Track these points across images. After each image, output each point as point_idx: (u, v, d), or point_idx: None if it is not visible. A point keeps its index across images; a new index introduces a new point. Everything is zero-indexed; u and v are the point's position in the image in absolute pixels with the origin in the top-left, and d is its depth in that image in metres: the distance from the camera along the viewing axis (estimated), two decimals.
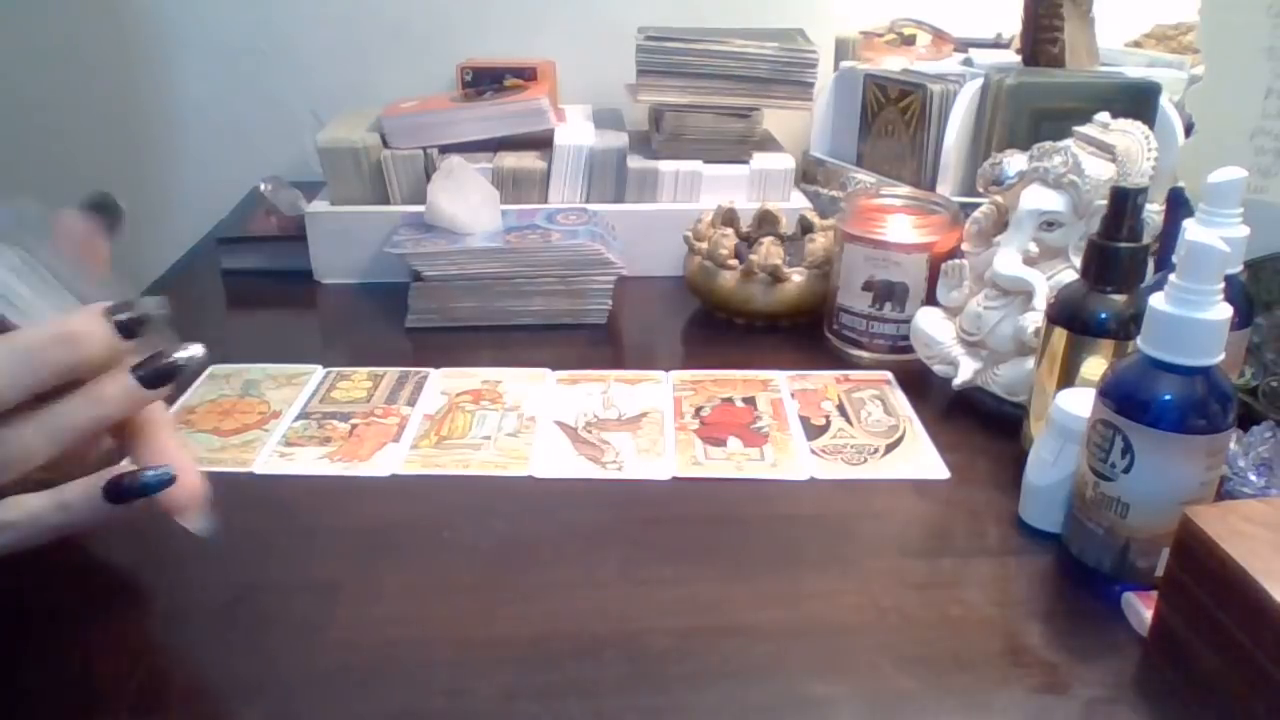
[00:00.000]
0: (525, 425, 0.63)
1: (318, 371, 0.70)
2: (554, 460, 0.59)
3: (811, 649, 0.44)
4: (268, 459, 0.59)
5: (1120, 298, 0.52)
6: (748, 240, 0.83)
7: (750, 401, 0.66)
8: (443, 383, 0.69)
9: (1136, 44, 1.03)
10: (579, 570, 0.49)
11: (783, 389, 0.68)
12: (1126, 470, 0.44)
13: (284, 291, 0.82)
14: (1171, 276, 0.42)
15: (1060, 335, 0.53)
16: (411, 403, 0.66)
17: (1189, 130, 0.75)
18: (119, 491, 0.39)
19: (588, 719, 0.40)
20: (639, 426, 0.63)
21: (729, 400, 0.66)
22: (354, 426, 0.63)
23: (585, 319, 0.79)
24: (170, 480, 0.40)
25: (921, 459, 0.59)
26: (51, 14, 1.09)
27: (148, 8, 1.09)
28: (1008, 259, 0.59)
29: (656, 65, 0.88)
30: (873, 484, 0.57)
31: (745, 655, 0.43)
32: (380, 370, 0.70)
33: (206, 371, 0.70)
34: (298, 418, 0.64)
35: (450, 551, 0.51)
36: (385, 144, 0.87)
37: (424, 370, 0.70)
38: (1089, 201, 0.57)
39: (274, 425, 0.63)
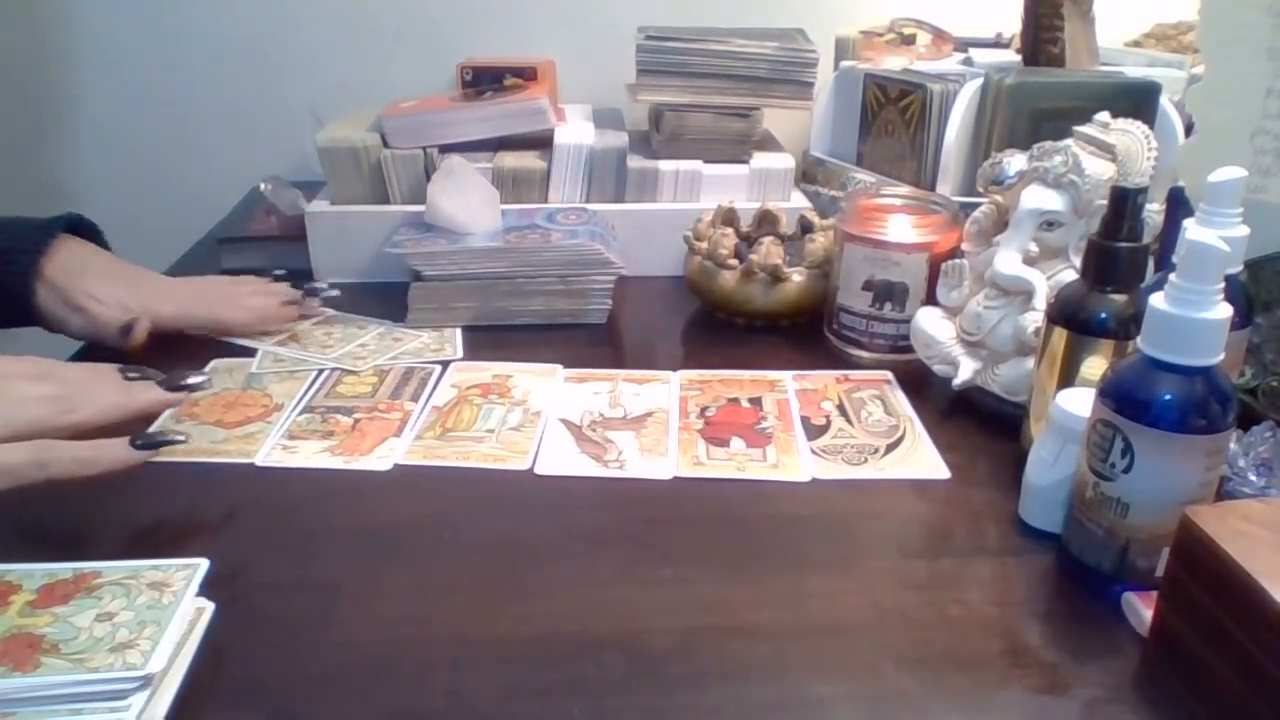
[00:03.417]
0: (530, 420, 0.63)
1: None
2: (557, 458, 0.59)
3: (812, 649, 0.44)
4: (270, 451, 0.59)
5: (1120, 297, 0.52)
6: (748, 240, 0.83)
7: (756, 402, 0.66)
8: (454, 376, 0.69)
9: (1136, 43, 1.04)
10: (579, 570, 0.49)
11: (789, 390, 0.68)
12: (1126, 470, 0.44)
13: None
14: (1171, 276, 0.42)
15: (1060, 335, 0.53)
16: (415, 398, 0.66)
17: (1189, 130, 0.75)
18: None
19: (588, 719, 0.40)
20: (644, 426, 0.63)
21: (735, 401, 0.66)
22: (357, 421, 0.63)
23: (585, 319, 0.79)
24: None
25: (921, 459, 0.59)
26: (49, 13, 1.09)
27: (147, 8, 1.09)
28: (1008, 259, 0.59)
29: (656, 65, 0.88)
30: (873, 484, 0.57)
31: (746, 655, 0.43)
32: (385, 365, 0.71)
33: (210, 365, 0.70)
34: (302, 411, 0.64)
35: (450, 551, 0.51)
36: (385, 144, 0.87)
37: (429, 367, 0.71)
38: (1089, 201, 0.57)
39: (277, 418, 0.63)
